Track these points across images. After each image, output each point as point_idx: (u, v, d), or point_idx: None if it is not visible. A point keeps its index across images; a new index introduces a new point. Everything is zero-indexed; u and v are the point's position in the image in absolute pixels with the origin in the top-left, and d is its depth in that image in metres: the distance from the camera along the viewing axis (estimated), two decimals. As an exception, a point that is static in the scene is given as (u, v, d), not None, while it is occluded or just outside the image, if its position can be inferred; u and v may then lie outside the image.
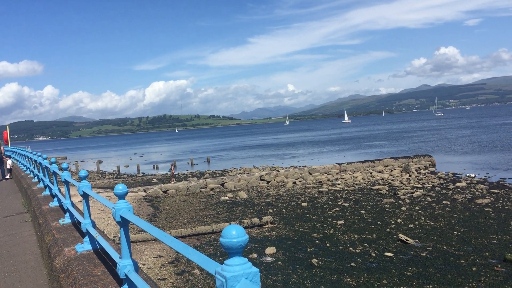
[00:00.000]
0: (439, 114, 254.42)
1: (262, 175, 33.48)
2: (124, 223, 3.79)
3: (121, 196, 3.78)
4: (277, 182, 32.77)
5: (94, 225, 5.91)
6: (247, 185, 32.13)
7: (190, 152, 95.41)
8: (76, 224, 7.65)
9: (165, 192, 30.06)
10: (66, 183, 7.79)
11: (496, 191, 24.92)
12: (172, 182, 33.90)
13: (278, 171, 35.28)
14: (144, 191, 29.98)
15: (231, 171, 46.36)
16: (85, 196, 5.77)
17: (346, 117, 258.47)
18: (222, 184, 31.96)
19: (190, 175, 45.06)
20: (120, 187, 3.81)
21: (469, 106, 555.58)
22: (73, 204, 8.07)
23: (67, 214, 8.06)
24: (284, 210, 22.65)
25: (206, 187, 31.26)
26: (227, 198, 27.18)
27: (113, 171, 59.13)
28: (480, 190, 25.41)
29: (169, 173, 36.87)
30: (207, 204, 25.40)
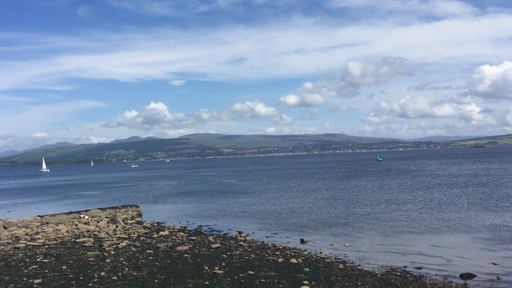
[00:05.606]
0: (134, 166, 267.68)
1: None
2: None
3: None
4: (-39, 239, 27.64)
5: None
6: None
7: None
8: None
9: None
10: None
11: (194, 238, 27.27)
12: None
13: (-38, 226, 29.86)
14: None
15: None
16: None
17: (44, 166, 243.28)
18: None
19: None
20: None
21: (169, 159, 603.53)
22: None
23: None
24: (-34, 273, 19.14)
25: None
26: None
27: None
28: (181, 238, 27.37)
29: None
30: None
